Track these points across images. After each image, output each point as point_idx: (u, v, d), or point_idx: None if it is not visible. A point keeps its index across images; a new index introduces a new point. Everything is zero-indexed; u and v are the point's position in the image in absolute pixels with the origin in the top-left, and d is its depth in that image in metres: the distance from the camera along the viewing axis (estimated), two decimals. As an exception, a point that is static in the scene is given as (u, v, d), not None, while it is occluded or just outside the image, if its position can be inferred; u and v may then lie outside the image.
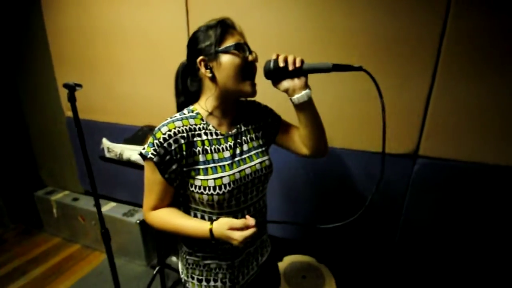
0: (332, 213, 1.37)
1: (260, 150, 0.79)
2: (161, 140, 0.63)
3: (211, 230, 0.65)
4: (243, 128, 0.77)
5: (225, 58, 0.66)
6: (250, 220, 0.63)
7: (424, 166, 1.16)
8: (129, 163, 1.25)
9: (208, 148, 0.69)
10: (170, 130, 0.64)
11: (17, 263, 1.95)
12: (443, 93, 1.06)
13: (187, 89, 0.75)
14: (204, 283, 0.78)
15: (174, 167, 0.66)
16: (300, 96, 0.68)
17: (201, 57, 0.67)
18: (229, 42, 0.66)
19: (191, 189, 0.68)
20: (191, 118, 0.69)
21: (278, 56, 0.68)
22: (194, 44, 0.70)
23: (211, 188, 0.66)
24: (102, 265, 1.94)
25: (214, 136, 0.71)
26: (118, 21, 1.55)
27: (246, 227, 0.63)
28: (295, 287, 1.21)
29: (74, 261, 2.00)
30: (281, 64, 0.67)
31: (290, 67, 0.66)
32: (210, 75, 0.67)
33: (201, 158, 0.68)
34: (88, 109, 1.85)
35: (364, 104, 1.17)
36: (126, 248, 1.95)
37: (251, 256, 0.82)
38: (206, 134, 0.70)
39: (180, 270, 0.85)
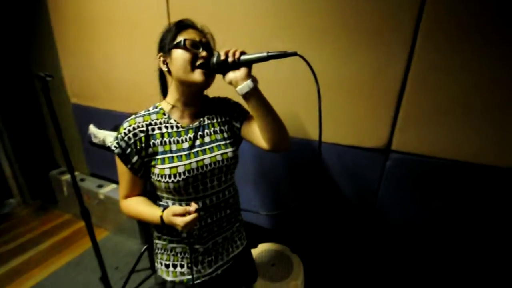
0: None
1: (223, 142, 0.81)
2: (122, 134, 0.72)
3: (161, 217, 0.71)
4: (206, 122, 0.81)
5: (176, 53, 0.72)
6: (192, 207, 0.67)
7: (397, 162, 1.10)
8: (110, 149, 1.34)
9: (167, 140, 0.75)
10: (130, 126, 0.72)
11: (32, 235, 2.20)
12: (418, 83, 0.98)
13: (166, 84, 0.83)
14: (171, 268, 0.82)
15: (135, 158, 0.73)
16: (242, 87, 0.70)
17: (159, 54, 0.76)
18: (180, 38, 0.72)
19: (152, 177, 0.75)
20: (153, 114, 0.76)
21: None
22: (159, 43, 0.77)
23: (167, 176, 0.72)
24: (103, 241, 2.12)
25: (175, 129, 0.77)
26: (110, 11, 1.61)
27: (188, 213, 0.67)
28: (262, 274, 1.25)
29: (80, 235, 2.20)
30: (222, 57, 0.70)
31: (230, 59, 0.70)
32: (166, 69, 0.75)
33: (160, 149, 0.74)
34: (89, 96, 1.98)
35: (334, 97, 1.13)
36: (124, 226, 2.10)
37: (219, 246, 0.85)
38: (166, 127, 0.76)
39: (155, 259, 0.89)
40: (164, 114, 0.77)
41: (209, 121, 0.82)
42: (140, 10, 1.49)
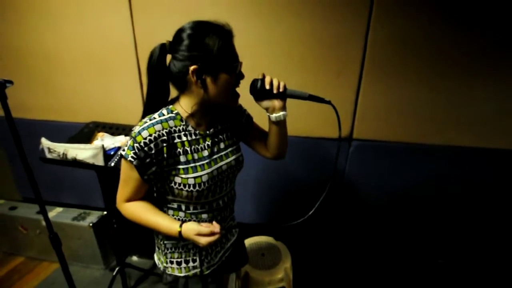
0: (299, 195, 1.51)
1: (234, 147, 0.85)
2: (141, 144, 0.65)
3: (180, 232, 0.70)
4: (219, 127, 0.82)
5: (223, 77, 0.67)
6: (216, 228, 0.69)
7: (358, 147, 1.34)
8: (75, 163, 1.18)
9: (188, 149, 0.73)
10: (150, 135, 0.66)
11: None
12: (369, 85, 1.24)
13: (162, 79, 0.70)
14: (183, 264, 0.84)
15: (153, 169, 0.69)
16: (277, 115, 0.77)
17: (195, 67, 0.64)
18: (231, 61, 0.68)
19: (171, 185, 0.73)
20: (170, 120, 0.70)
21: (264, 76, 0.75)
22: (182, 46, 0.65)
23: (191, 185, 0.72)
24: (52, 275, 1.80)
25: (193, 137, 0.74)
26: (52, 2, 1.39)
27: (212, 233, 0.68)
28: (255, 264, 1.32)
29: (18, 275, 1.81)
30: (267, 87, 0.74)
31: (275, 91, 0.74)
32: (200, 86, 0.67)
33: (182, 158, 0.72)
34: (21, 106, 1.67)
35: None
36: (79, 253, 1.83)
37: (223, 237, 0.91)
38: (185, 135, 0.73)
39: (157, 260, 0.89)
40: (181, 120, 0.73)
41: (221, 127, 0.83)
42: (99, 10, 1.35)
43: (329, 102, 0.76)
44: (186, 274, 0.85)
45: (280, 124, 0.80)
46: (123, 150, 0.69)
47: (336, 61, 1.22)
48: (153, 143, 0.66)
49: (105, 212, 1.81)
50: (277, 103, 0.76)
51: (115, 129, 1.38)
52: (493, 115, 1.20)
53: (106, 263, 1.84)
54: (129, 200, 0.76)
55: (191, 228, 0.69)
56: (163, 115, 0.71)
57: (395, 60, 1.17)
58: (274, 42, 1.23)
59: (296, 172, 1.47)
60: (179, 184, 0.72)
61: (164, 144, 0.68)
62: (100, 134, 1.30)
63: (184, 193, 0.73)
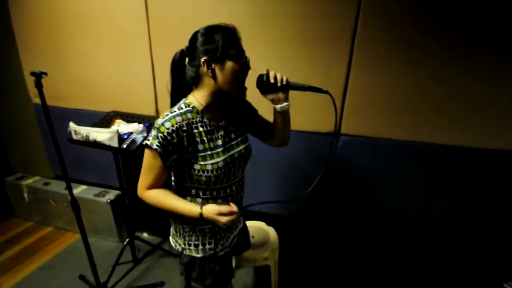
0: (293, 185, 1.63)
1: (243, 137, 0.95)
2: (165, 134, 0.75)
3: (201, 214, 0.79)
4: (230, 120, 0.91)
5: (229, 64, 0.76)
6: (234, 208, 0.78)
7: (345, 143, 1.43)
8: (96, 144, 1.40)
9: (205, 138, 0.82)
10: (173, 126, 0.75)
11: (-10, 245, 2.04)
12: (357, 81, 1.32)
13: (183, 78, 0.83)
14: (200, 247, 0.92)
15: (175, 156, 0.78)
16: (281, 106, 0.88)
17: (205, 58, 0.75)
18: (234, 51, 0.77)
19: (191, 172, 0.82)
20: (188, 113, 0.80)
21: (268, 72, 0.85)
22: (196, 43, 0.77)
23: (209, 171, 0.81)
24: (75, 243, 2.08)
25: (209, 128, 0.83)
26: (83, 9, 1.64)
27: (231, 213, 0.78)
28: (244, 245, 1.46)
29: (47, 241, 2.11)
30: (272, 81, 0.84)
31: (279, 84, 0.84)
32: (211, 75, 0.77)
33: (200, 147, 0.81)
34: (55, 96, 1.94)
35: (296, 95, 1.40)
36: (98, 226, 2.09)
37: (233, 224, 1.01)
38: (202, 126, 0.82)
39: (174, 243, 0.97)
40: (197, 113, 0.81)
41: (232, 119, 0.92)
42: (116, 6, 1.56)
43: (326, 92, 0.84)
44: (203, 255, 0.93)
45: (284, 113, 0.90)
46: (148, 140, 0.77)
47: (325, 60, 1.32)
48: (175, 133, 0.76)
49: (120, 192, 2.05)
50: (281, 95, 0.86)
51: (130, 118, 1.59)
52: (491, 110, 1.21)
53: (120, 236, 2.08)
54: (151, 187, 0.83)
55: (212, 209, 0.78)
56: (182, 108, 0.81)
57: (382, 56, 1.24)
58: (268, 43, 1.36)
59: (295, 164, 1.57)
60: (198, 171, 0.81)
61: (184, 134, 0.78)
62: (117, 121, 1.51)
63: (203, 178, 0.82)
